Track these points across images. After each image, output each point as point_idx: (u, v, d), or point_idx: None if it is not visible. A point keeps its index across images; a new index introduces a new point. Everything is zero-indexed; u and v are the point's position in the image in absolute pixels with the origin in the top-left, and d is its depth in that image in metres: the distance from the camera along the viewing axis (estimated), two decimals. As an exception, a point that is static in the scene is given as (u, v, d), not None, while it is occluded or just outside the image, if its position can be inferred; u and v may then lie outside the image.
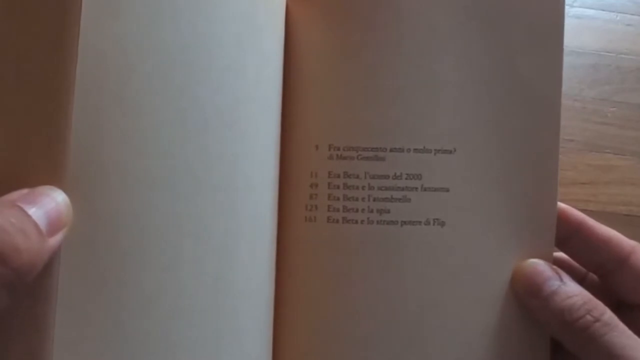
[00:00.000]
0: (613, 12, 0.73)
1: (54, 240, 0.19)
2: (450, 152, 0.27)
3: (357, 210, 0.27)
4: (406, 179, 0.27)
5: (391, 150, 0.27)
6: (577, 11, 0.73)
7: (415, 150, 0.27)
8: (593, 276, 0.29)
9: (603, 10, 0.73)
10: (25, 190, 0.20)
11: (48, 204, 0.19)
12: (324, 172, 0.27)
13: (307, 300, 0.27)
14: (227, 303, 0.24)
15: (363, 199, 0.27)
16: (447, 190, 0.27)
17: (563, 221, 0.27)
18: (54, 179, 0.20)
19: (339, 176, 0.27)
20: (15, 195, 0.19)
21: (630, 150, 0.64)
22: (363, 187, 0.27)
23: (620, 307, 0.26)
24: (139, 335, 0.21)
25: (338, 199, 0.27)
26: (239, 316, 0.24)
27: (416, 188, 0.27)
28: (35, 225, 0.19)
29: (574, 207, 0.28)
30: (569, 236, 0.28)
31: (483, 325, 0.26)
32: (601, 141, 0.63)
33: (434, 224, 0.27)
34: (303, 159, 0.27)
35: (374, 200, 0.27)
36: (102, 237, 0.21)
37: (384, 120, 0.27)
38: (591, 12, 0.73)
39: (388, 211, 0.27)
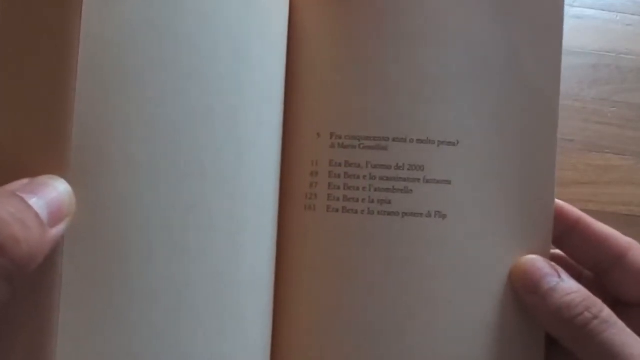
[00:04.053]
0: (613, 12, 0.73)
1: (56, 230, 0.19)
2: (454, 144, 0.27)
3: (357, 200, 0.26)
4: (408, 169, 0.26)
5: (394, 140, 0.26)
6: (577, 11, 0.73)
7: (419, 140, 0.27)
8: (589, 274, 0.28)
9: (603, 10, 0.73)
10: (26, 180, 0.19)
11: (49, 193, 0.19)
12: (325, 160, 0.27)
13: (305, 289, 0.26)
14: (231, 293, 0.24)
15: (364, 188, 0.26)
16: (449, 182, 0.27)
17: (560, 218, 0.27)
18: (56, 168, 0.20)
19: (340, 165, 0.26)
20: (15, 185, 0.19)
21: (630, 150, 0.64)
22: (364, 177, 0.26)
23: (616, 305, 0.26)
24: (143, 326, 0.21)
25: (338, 188, 0.26)
26: (242, 306, 0.24)
27: (418, 179, 0.26)
28: (36, 215, 0.18)
29: (574, 207, 0.28)
30: (566, 233, 0.27)
31: (479, 320, 0.26)
32: (601, 141, 0.63)
33: (435, 217, 0.26)
34: (304, 146, 0.27)
35: (375, 190, 0.26)
36: (105, 227, 0.21)
37: (387, 109, 0.27)
38: (591, 12, 0.73)
39: (389, 202, 0.26)
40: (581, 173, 0.61)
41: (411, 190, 0.26)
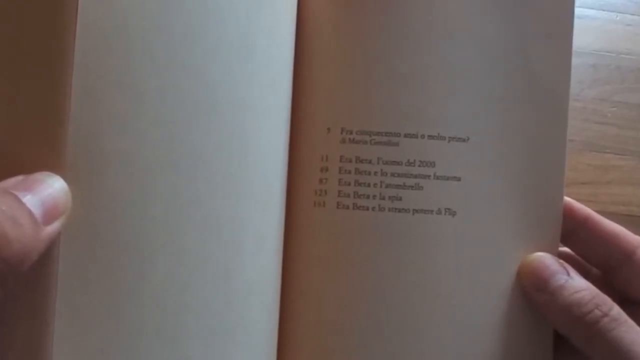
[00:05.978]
0: (613, 12, 0.73)
1: (51, 228, 0.19)
2: (464, 140, 0.26)
3: (368, 197, 0.26)
4: (419, 166, 0.26)
5: (405, 136, 0.26)
6: (577, 11, 0.73)
7: (430, 136, 0.26)
8: (597, 272, 0.28)
9: (603, 10, 0.73)
10: (20, 177, 0.19)
11: (44, 190, 0.19)
12: (335, 156, 0.26)
13: (314, 287, 0.26)
14: (234, 292, 0.23)
15: (375, 185, 0.26)
16: (459, 179, 0.26)
17: (569, 215, 0.27)
18: (52, 165, 0.19)
19: (350, 161, 0.26)
20: (9, 182, 0.19)
21: (630, 150, 0.64)
22: (375, 173, 0.26)
23: (623, 303, 0.26)
24: (141, 327, 0.21)
25: (349, 184, 0.26)
26: (246, 305, 0.24)
27: (429, 176, 0.26)
28: (29, 213, 0.18)
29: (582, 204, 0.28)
30: (574, 231, 0.27)
31: (487, 317, 0.26)
32: (601, 141, 0.63)
33: (445, 214, 0.26)
34: (314, 142, 0.27)
35: (386, 186, 0.26)
36: (104, 225, 0.20)
37: (399, 104, 0.26)
38: (591, 12, 0.73)
39: (400, 199, 0.26)
40: (581, 173, 0.61)
41: (422, 187, 0.26)
